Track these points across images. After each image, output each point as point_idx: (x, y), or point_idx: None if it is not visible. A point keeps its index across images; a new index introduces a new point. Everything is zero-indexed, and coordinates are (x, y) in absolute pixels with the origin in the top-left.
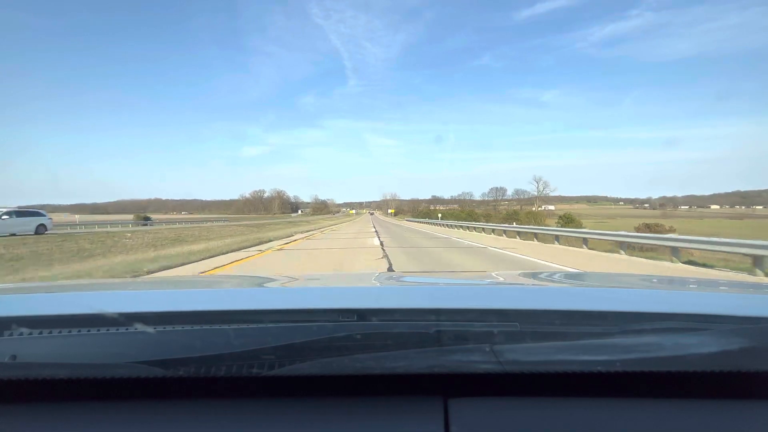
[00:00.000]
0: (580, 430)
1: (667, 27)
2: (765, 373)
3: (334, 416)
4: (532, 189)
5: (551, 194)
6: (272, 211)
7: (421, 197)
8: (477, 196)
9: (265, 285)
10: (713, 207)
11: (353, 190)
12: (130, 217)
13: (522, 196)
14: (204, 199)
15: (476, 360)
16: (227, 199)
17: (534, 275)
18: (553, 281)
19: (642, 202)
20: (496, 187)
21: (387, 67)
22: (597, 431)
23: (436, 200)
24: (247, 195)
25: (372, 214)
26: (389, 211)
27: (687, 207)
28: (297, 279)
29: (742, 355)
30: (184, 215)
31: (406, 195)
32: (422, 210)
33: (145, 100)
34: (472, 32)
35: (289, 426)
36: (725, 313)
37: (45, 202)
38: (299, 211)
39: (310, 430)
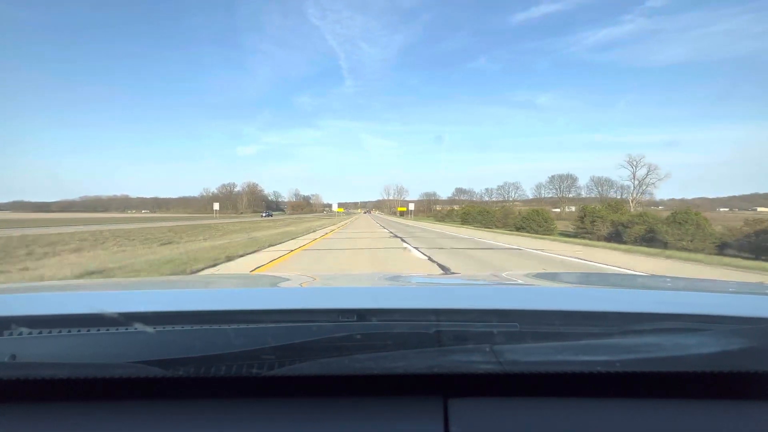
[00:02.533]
0: (580, 430)
1: (660, 33)
2: (765, 374)
3: (334, 416)
4: (621, 177)
5: (655, 188)
6: (240, 209)
7: (433, 195)
8: (528, 192)
9: (265, 285)
10: (760, 209)
11: (349, 190)
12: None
13: (606, 191)
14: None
15: (476, 360)
16: (195, 195)
17: (535, 276)
18: (553, 282)
19: (655, 203)
20: (560, 175)
21: (384, 67)
22: (597, 431)
23: (459, 198)
24: (214, 190)
25: (368, 212)
26: (397, 209)
27: (727, 209)
28: (297, 279)
29: (742, 355)
30: (141, 214)
31: (406, 194)
32: (476, 209)
33: (133, 96)
34: (469, 35)
35: (289, 426)
36: (725, 314)
37: None
38: (235, 210)
39: (310, 430)
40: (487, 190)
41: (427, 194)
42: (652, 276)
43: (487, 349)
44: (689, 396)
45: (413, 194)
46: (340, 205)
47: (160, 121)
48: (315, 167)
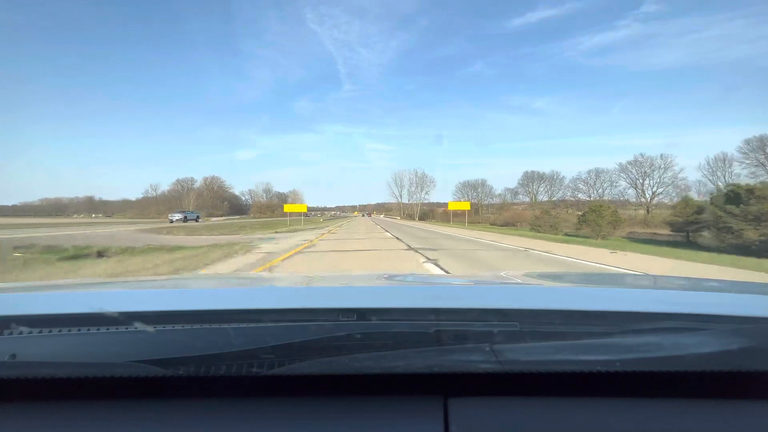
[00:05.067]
0: (580, 430)
1: (655, 37)
2: (765, 373)
3: (333, 416)
4: None
5: None
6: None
7: (481, 185)
8: (689, 173)
9: (265, 284)
10: None
11: (348, 193)
12: None
13: None
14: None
15: (476, 360)
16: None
17: (535, 275)
18: (553, 281)
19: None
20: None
21: (381, 72)
22: (597, 431)
23: (528, 194)
24: (166, 189)
25: (368, 215)
26: (447, 208)
27: None
28: (297, 278)
29: (741, 355)
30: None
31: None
32: None
33: (130, 99)
34: (465, 40)
35: (289, 426)
36: (725, 313)
37: None
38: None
39: (310, 430)
40: (591, 174)
41: (468, 184)
42: (653, 275)
43: (487, 349)
44: (689, 396)
45: (442, 191)
46: (339, 209)
47: (154, 124)
48: (312, 171)
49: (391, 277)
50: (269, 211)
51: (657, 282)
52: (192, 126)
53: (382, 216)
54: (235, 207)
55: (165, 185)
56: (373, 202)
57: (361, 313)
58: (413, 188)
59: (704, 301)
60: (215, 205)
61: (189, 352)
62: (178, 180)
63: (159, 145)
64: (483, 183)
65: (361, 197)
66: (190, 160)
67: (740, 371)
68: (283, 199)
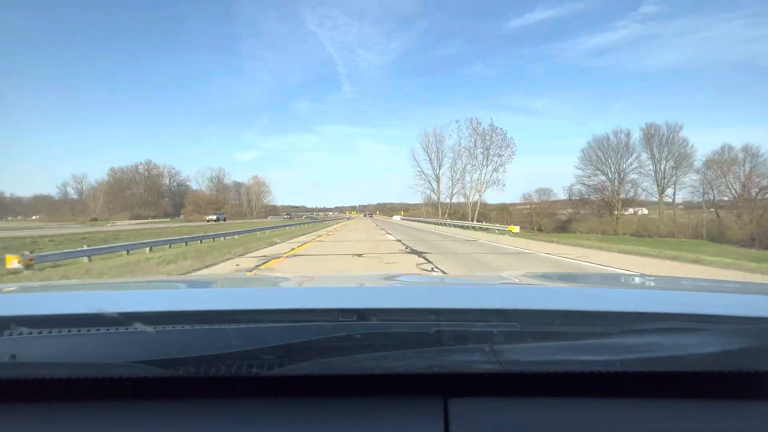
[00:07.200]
0: (580, 430)
1: (654, 38)
2: (765, 373)
3: (333, 416)
4: None
5: None
6: (95, 212)
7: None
8: None
9: (265, 285)
10: None
11: (346, 195)
12: None
13: None
14: None
15: (476, 360)
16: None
17: (535, 275)
18: (553, 281)
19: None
20: None
21: (381, 73)
22: (597, 431)
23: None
24: (94, 182)
25: (369, 216)
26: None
27: None
28: (297, 279)
29: (742, 355)
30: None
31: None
32: None
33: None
34: (464, 41)
35: (289, 426)
36: (725, 313)
37: None
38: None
39: (310, 430)
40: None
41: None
42: (653, 276)
43: (487, 349)
44: (690, 396)
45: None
46: (338, 210)
47: (155, 125)
48: (312, 172)
49: (391, 278)
50: (212, 208)
51: (657, 282)
52: (190, 127)
53: (397, 218)
54: (181, 204)
55: (98, 176)
56: (374, 202)
57: (362, 314)
58: (461, 162)
59: (705, 302)
60: (149, 202)
61: (189, 353)
62: (112, 169)
63: (155, 148)
64: (674, 135)
65: (361, 197)
66: (187, 160)
67: (740, 371)
68: (240, 191)
